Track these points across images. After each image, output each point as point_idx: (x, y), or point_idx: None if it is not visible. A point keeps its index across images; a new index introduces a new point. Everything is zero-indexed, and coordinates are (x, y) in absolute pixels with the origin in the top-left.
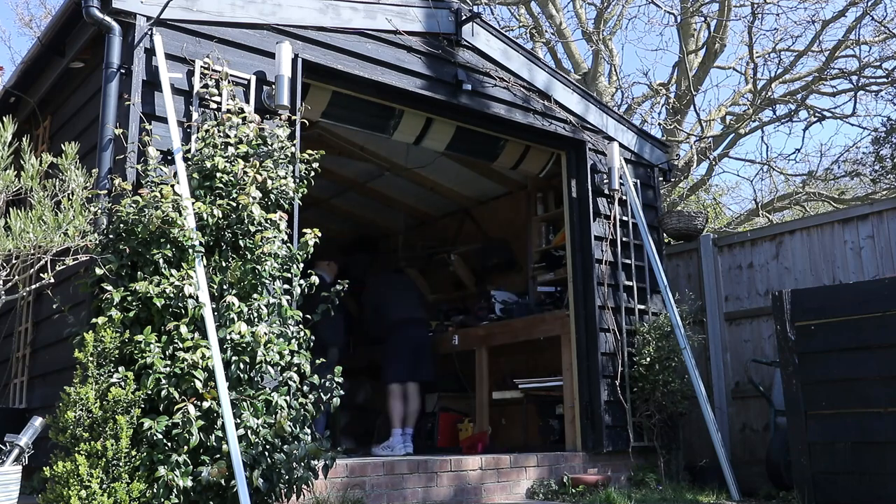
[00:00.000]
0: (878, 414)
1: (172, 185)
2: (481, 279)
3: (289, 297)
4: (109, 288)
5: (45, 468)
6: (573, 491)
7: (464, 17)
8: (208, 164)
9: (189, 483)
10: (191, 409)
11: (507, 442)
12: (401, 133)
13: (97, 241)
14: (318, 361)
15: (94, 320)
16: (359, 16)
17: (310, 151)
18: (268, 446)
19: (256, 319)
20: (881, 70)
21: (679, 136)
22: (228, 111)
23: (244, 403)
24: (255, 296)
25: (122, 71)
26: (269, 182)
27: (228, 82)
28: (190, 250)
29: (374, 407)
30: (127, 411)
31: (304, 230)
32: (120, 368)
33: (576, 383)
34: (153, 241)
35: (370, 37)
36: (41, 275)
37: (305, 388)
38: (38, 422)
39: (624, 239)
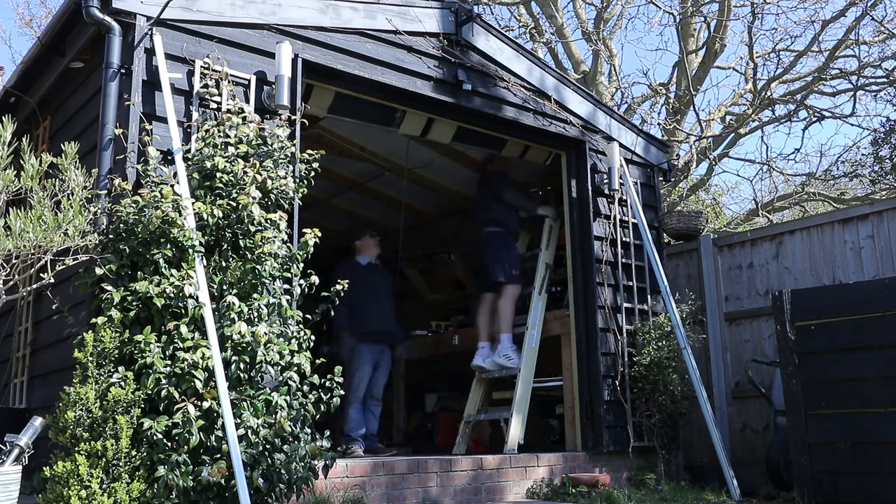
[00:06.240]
0: (878, 414)
1: (172, 185)
2: None
3: (289, 297)
4: (109, 288)
5: (45, 468)
6: (573, 491)
7: (463, 18)
8: (208, 164)
9: (189, 483)
10: (191, 409)
11: None
12: (405, 129)
13: (97, 241)
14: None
15: (93, 320)
16: (359, 16)
17: (310, 151)
18: (268, 446)
19: (256, 319)
20: (881, 70)
21: (679, 136)
22: (228, 111)
23: (244, 403)
24: (255, 296)
25: (122, 71)
26: (269, 182)
27: (228, 82)
28: (190, 250)
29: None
30: (127, 411)
31: (304, 230)
32: (120, 368)
33: (576, 383)
34: (153, 241)
35: (370, 37)
36: (41, 275)
37: (305, 388)
38: (38, 422)
39: (624, 239)
